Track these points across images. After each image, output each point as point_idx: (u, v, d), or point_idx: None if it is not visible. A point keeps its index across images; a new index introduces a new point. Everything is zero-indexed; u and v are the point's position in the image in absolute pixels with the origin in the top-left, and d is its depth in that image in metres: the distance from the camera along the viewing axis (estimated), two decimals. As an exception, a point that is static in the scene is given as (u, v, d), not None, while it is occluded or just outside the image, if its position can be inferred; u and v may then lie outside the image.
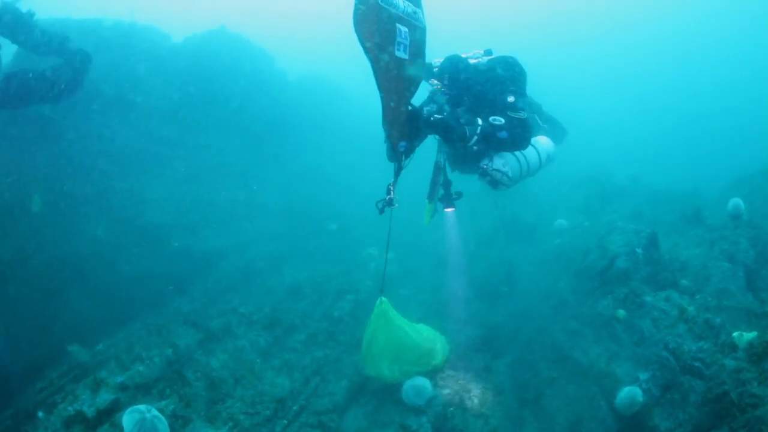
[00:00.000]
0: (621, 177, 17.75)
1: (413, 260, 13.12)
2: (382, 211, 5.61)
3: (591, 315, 8.38)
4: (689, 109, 44.12)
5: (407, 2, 4.89)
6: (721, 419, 5.47)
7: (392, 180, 5.50)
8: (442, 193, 6.90)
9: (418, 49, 5.06)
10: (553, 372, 7.94)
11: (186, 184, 11.93)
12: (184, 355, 7.65)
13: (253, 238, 13.14)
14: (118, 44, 10.88)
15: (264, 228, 13.75)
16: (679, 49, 52.00)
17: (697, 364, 6.14)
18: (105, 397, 6.36)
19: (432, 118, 5.48)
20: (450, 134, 5.65)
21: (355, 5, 4.39)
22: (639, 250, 8.65)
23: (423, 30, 5.23)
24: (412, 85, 5.09)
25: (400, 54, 4.72)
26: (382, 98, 4.66)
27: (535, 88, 7.46)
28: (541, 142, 7.19)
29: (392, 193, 5.45)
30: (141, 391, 6.76)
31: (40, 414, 6.45)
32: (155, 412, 5.76)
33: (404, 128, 5.05)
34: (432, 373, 7.62)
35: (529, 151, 6.64)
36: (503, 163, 6.26)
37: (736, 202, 9.92)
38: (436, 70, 6.57)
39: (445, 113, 5.89)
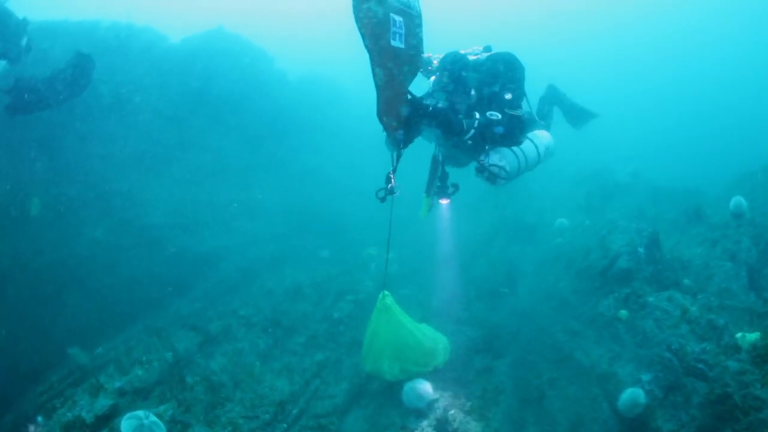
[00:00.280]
0: (622, 174, 17.66)
1: (414, 260, 13.04)
2: (383, 200, 5.54)
3: (592, 315, 8.35)
4: (690, 105, 44.00)
5: None
6: (724, 422, 5.46)
7: (392, 168, 5.44)
8: (438, 185, 6.88)
9: (414, 37, 4.99)
10: (554, 373, 7.89)
11: (185, 186, 11.90)
12: (184, 358, 7.62)
13: (253, 238, 13.09)
14: (116, 45, 10.88)
15: (264, 228, 13.70)
16: (680, 46, 51.92)
17: (700, 365, 6.07)
18: (103, 403, 6.34)
19: (431, 109, 5.46)
20: (447, 126, 5.66)
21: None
22: (641, 250, 8.59)
23: (419, 17, 5.22)
24: (410, 73, 5.02)
25: (396, 43, 4.66)
26: (378, 88, 4.59)
27: (536, 85, 7.58)
28: (540, 136, 7.14)
29: (393, 180, 5.40)
30: (140, 395, 6.74)
31: (40, 419, 6.46)
32: (153, 418, 5.72)
33: (402, 117, 4.99)
34: (433, 374, 7.56)
35: (527, 146, 6.64)
36: (500, 158, 6.24)
37: (738, 200, 9.84)
38: (435, 64, 6.55)
39: (444, 106, 5.92)
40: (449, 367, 7.80)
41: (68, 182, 9.58)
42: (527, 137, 6.74)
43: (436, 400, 7.10)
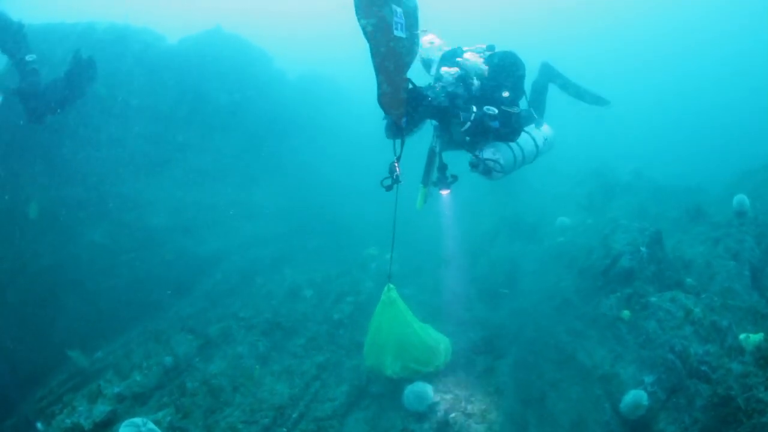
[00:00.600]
0: (624, 172, 17.58)
1: (415, 259, 12.99)
2: (389, 188, 5.67)
3: (595, 315, 8.27)
4: (692, 102, 43.83)
5: None
6: (727, 425, 5.40)
7: (395, 157, 5.55)
8: (437, 176, 6.89)
9: (411, 25, 5.14)
10: (556, 373, 7.83)
11: (184, 187, 11.86)
12: (183, 362, 7.59)
13: (253, 239, 13.05)
14: (113, 47, 10.81)
15: (264, 229, 13.66)
16: (681, 43, 51.73)
17: (703, 367, 6.02)
18: (102, 409, 6.32)
19: (430, 98, 5.66)
20: (445, 117, 5.89)
21: None
22: (643, 249, 8.52)
23: (415, 9, 5.33)
24: (409, 61, 5.15)
25: (399, 33, 4.79)
26: (379, 79, 4.67)
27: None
28: (540, 128, 7.25)
29: (398, 169, 5.54)
30: (138, 401, 6.71)
31: (39, 425, 6.43)
32: (151, 425, 5.68)
33: (403, 105, 5.12)
34: (434, 376, 7.52)
35: (524, 140, 6.73)
36: (494, 152, 6.34)
37: (741, 198, 9.78)
38: (436, 62, 6.59)
39: (443, 97, 6.02)
40: (450, 370, 7.76)
41: (66, 185, 9.55)
42: (526, 131, 6.83)
43: (437, 403, 7.06)
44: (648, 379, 6.52)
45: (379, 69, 4.61)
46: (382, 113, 5.80)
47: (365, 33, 4.47)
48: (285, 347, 8.60)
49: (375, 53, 4.56)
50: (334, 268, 11.87)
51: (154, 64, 11.79)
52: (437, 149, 6.86)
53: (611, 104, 8.65)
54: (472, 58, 6.54)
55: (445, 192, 6.95)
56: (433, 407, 6.99)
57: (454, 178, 6.88)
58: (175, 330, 8.48)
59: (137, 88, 11.05)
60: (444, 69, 6.41)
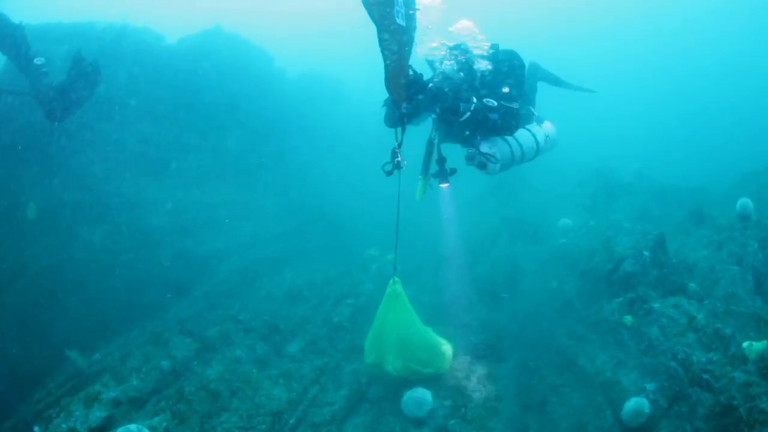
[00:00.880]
0: (626, 173, 17.50)
1: (415, 258, 12.93)
2: (390, 173, 5.75)
3: (597, 319, 8.23)
4: (694, 102, 43.68)
5: None
6: (729, 434, 5.33)
7: (397, 142, 5.65)
8: (436, 169, 6.87)
9: (411, 18, 5.25)
10: (557, 378, 7.79)
11: (183, 187, 11.81)
12: (180, 366, 7.51)
13: (253, 239, 13.01)
14: (112, 47, 10.75)
15: (264, 229, 13.61)
16: (683, 43, 51.38)
17: (706, 376, 5.93)
18: (98, 414, 6.24)
19: (431, 85, 5.73)
20: (445, 105, 5.93)
21: None
22: (646, 253, 8.46)
23: None
24: (410, 45, 5.26)
25: (400, 21, 4.91)
26: (386, 62, 4.89)
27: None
28: (541, 126, 7.25)
29: (399, 155, 5.62)
30: (135, 405, 6.63)
31: (36, 429, 6.37)
32: (146, 432, 5.62)
33: (404, 89, 5.27)
34: (433, 383, 7.47)
35: (524, 136, 6.78)
36: (490, 146, 6.39)
37: (744, 202, 9.71)
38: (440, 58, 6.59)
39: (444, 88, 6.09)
40: (450, 375, 7.73)
41: (65, 186, 9.48)
42: (526, 128, 6.92)
43: (436, 409, 7.03)
44: (650, 386, 6.45)
45: (385, 50, 4.78)
46: (382, 114, 5.99)
47: (370, 13, 4.61)
48: (283, 351, 8.55)
49: (381, 31, 4.73)
50: (334, 269, 11.83)
51: (153, 64, 11.73)
52: (435, 141, 6.86)
53: (597, 92, 8.65)
54: (477, 52, 6.58)
55: (444, 185, 6.96)
56: (432, 413, 6.95)
57: (453, 171, 6.87)
58: (173, 332, 8.39)
59: (136, 88, 10.99)
60: (447, 63, 6.44)
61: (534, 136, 7.00)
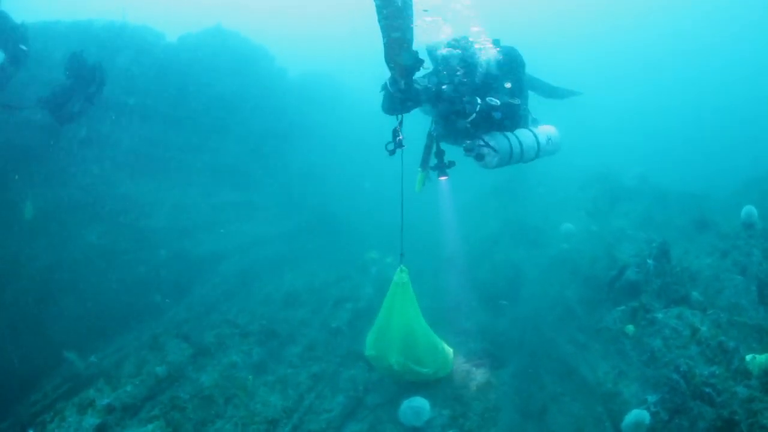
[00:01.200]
0: (629, 177, 17.37)
1: (415, 262, 12.82)
2: (392, 153, 5.75)
3: (599, 328, 8.16)
4: (696, 105, 43.59)
5: None
6: (729, 449, 5.25)
7: (398, 122, 5.68)
8: (435, 162, 6.81)
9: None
10: (558, 387, 7.72)
11: (182, 187, 11.74)
12: (175, 371, 7.42)
13: (252, 240, 12.92)
14: (110, 45, 10.69)
15: (263, 230, 13.54)
16: (686, 47, 51.19)
17: (708, 390, 5.84)
18: (91, 422, 6.16)
19: (435, 89, 5.85)
20: (450, 107, 6.00)
21: None
22: (650, 261, 8.37)
23: None
24: (409, 19, 5.23)
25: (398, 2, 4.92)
26: (386, 36, 4.97)
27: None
28: (544, 128, 7.14)
29: (400, 134, 5.64)
30: (128, 412, 6.55)
31: (31, 432, 6.30)
32: (139, 441, 5.54)
33: (402, 66, 5.29)
34: (433, 388, 7.39)
35: (524, 134, 6.70)
36: (489, 138, 6.33)
37: (749, 210, 9.59)
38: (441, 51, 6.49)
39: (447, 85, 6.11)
40: (448, 383, 7.63)
41: (62, 186, 9.43)
42: (529, 128, 6.86)
43: (434, 418, 6.92)
44: (651, 398, 6.36)
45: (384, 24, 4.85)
46: (383, 117, 5.95)
47: None
48: (280, 356, 8.46)
49: (380, 7, 4.81)
50: (333, 272, 11.73)
51: (152, 62, 11.66)
52: (435, 134, 6.79)
53: (583, 93, 8.56)
54: (478, 46, 6.51)
55: (443, 178, 6.89)
56: (430, 423, 6.86)
57: (452, 163, 6.81)
58: (169, 336, 8.31)
59: (135, 87, 10.92)
60: (447, 50, 6.32)
61: (536, 136, 6.89)
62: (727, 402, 5.54)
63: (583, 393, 7.33)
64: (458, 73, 6.23)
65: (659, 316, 7.29)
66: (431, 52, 6.58)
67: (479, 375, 8.03)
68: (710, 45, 49.88)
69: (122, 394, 6.72)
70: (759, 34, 44.64)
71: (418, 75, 5.70)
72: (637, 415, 6.15)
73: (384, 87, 5.76)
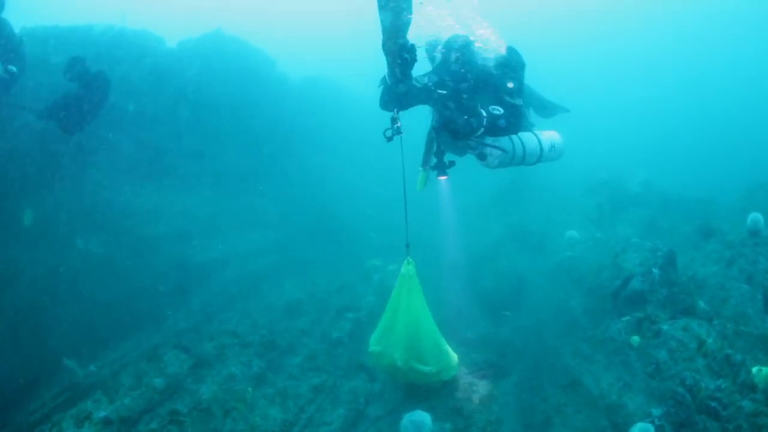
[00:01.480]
0: (633, 183, 17.18)
1: (418, 268, 12.78)
2: (390, 139, 5.65)
3: (603, 338, 8.04)
4: (700, 108, 43.49)
5: None
6: (734, 464, 5.18)
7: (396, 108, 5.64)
8: (435, 162, 6.72)
9: None
10: (561, 398, 7.60)
11: (183, 194, 11.66)
12: (173, 383, 7.33)
13: (253, 248, 12.84)
14: (109, 50, 10.62)
15: (265, 237, 13.47)
16: (690, 49, 51.02)
17: (714, 404, 5.77)
18: (87, 435, 6.08)
19: (444, 121, 5.94)
20: (456, 125, 5.92)
21: None
22: (656, 271, 8.27)
23: None
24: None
25: None
26: (383, 25, 4.89)
27: (542, 86, 7.68)
28: (548, 133, 7.10)
29: (398, 122, 5.58)
30: (125, 425, 6.45)
31: (28, 444, 6.23)
32: (135, 457, 5.45)
33: (396, 52, 5.18)
34: (434, 398, 7.31)
35: (527, 137, 6.68)
36: (493, 139, 6.29)
37: (755, 217, 9.48)
38: (440, 49, 6.42)
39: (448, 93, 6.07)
40: (451, 396, 7.53)
41: (62, 192, 9.35)
42: (533, 132, 6.83)
43: (436, 432, 6.82)
44: (656, 411, 6.26)
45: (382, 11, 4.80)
46: (384, 117, 5.84)
47: None
48: (281, 367, 8.37)
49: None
50: (335, 280, 11.66)
51: (152, 67, 11.60)
52: (435, 132, 6.67)
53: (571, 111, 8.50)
54: (485, 38, 6.45)
55: (442, 177, 6.80)
56: (431, 437, 6.75)
57: (452, 163, 6.72)
58: (168, 347, 8.24)
59: (134, 92, 10.84)
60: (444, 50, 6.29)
61: (540, 142, 6.84)
62: (733, 416, 5.48)
63: (587, 404, 7.22)
64: (458, 73, 6.15)
65: (665, 327, 7.18)
66: (430, 51, 6.51)
67: (482, 387, 7.94)
68: (713, 47, 49.71)
69: (120, 406, 6.63)
70: (762, 36, 44.51)
71: (417, 75, 5.68)
72: (641, 428, 6.03)
73: (383, 81, 5.71)
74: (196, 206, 11.83)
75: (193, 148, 12.35)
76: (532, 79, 6.92)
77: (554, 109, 8.05)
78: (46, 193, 9.07)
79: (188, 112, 12.26)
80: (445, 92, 5.99)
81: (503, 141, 6.34)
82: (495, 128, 6.06)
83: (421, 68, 5.83)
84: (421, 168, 6.83)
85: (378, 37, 4.98)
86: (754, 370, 5.91)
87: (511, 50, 6.51)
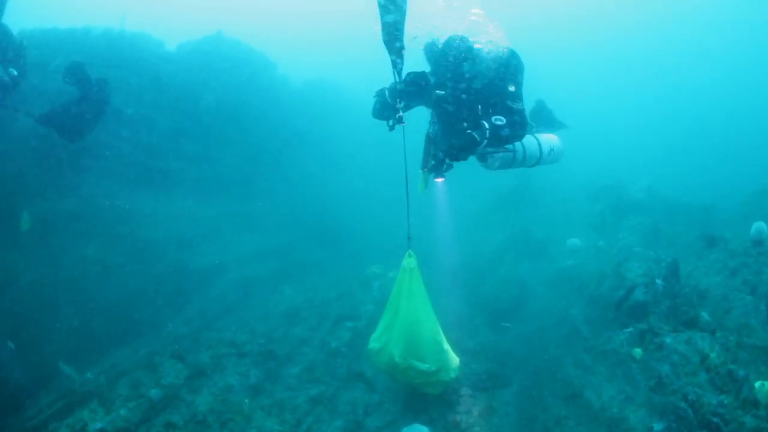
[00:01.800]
0: (636, 189, 17.12)
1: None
2: (392, 128, 5.70)
3: (605, 350, 7.96)
4: (703, 113, 43.43)
5: None
6: (734, 481, 5.12)
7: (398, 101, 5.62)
8: (432, 164, 6.60)
9: None
10: (562, 410, 7.55)
11: (182, 198, 11.60)
12: (170, 394, 7.25)
13: (253, 253, 12.76)
14: (108, 54, 10.56)
15: (264, 242, 13.39)
16: (692, 54, 50.87)
17: (716, 419, 5.71)
18: (83, 448, 6.02)
19: (445, 147, 5.91)
20: (458, 142, 5.88)
21: None
22: (659, 282, 8.17)
23: None
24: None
25: None
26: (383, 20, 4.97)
27: (543, 90, 7.69)
28: (547, 137, 7.07)
29: (400, 111, 5.56)
30: (121, 437, 6.40)
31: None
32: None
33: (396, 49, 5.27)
34: (434, 411, 7.21)
35: (529, 141, 6.65)
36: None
37: (759, 226, 9.38)
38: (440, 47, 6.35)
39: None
40: (450, 409, 7.45)
41: (59, 196, 9.30)
42: (533, 135, 6.78)
43: (434, 446, 6.77)
44: (657, 426, 6.24)
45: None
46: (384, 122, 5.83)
47: None
48: (278, 377, 8.28)
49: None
50: (335, 287, 11.55)
51: (151, 71, 11.53)
52: (433, 135, 6.62)
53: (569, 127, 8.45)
54: (491, 39, 6.32)
55: (439, 180, 6.68)
56: (430, 449, 6.70)
57: (449, 165, 6.60)
58: (165, 356, 8.16)
59: (133, 96, 10.78)
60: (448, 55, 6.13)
61: (540, 145, 6.82)
62: (735, 432, 5.39)
63: (588, 417, 7.14)
64: (458, 73, 6.05)
65: (668, 340, 7.09)
66: (428, 52, 6.44)
67: (481, 399, 7.87)
68: (716, 52, 49.56)
69: (116, 417, 6.58)
70: (765, 41, 44.36)
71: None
72: (642, 443, 6.01)
73: (379, 93, 5.75)
74: (194, 211, 11.76)
75: (192, 151, 12.27)
76: (534, 83, 6.82)
77: (555, 125, 8.00)
78: (44, 197, 9.01)
79: (187, 116, 12.18)
80: (443, 92, 5.90)
81: None
82: (498, 138, 5.99)
83: (421, 68, 5.86)
84: (421, 170, 6.77)
85: (378, 38, 5.05)
86: (757, 385, 5.83)
87: (511, 52, 6.39)
